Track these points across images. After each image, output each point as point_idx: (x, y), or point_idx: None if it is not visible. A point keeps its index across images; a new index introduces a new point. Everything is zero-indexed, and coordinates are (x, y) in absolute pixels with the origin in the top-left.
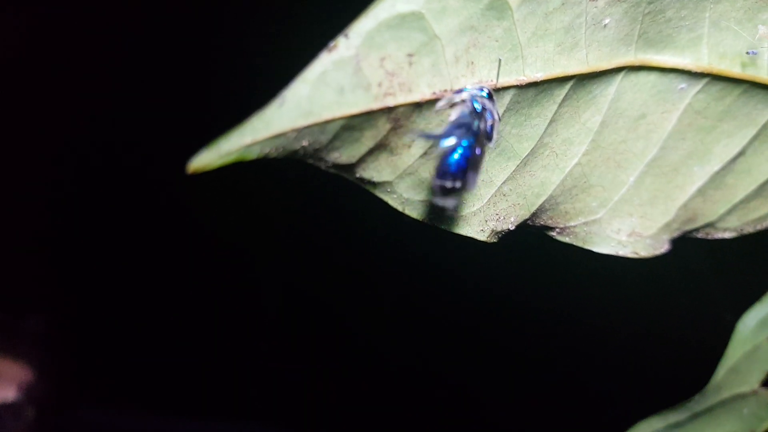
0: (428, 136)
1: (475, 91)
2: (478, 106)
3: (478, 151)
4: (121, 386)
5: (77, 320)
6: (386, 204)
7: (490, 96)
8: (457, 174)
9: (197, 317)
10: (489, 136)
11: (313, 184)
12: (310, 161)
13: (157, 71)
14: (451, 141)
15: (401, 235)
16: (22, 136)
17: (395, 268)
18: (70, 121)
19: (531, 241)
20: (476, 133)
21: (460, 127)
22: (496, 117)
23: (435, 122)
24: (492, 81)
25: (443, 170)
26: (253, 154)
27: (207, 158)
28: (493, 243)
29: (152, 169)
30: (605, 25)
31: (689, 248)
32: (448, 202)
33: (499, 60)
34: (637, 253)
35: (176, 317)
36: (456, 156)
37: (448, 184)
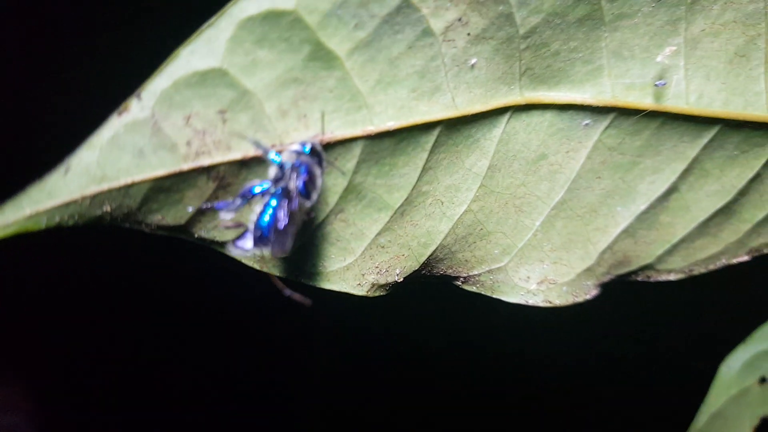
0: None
1: (292, 148)
2: (287, 163)
3: (293, 206)
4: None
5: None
6: None
7: (313, 151)
8: (269, 236)
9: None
10: (305, 194)
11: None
12: (126, 225)
13: None
14: (239, 207)
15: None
16: None
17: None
18: None
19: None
20: (281, 193)
21: (269, 186)
22: (317, 172)
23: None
24: (332, 134)
25: (257, 235)
26: (41, 225)
27: None
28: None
29: None
30: (473, 66)
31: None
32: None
33: (322, 112)
34: (550, 302)
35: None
36: (266, 218)
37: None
